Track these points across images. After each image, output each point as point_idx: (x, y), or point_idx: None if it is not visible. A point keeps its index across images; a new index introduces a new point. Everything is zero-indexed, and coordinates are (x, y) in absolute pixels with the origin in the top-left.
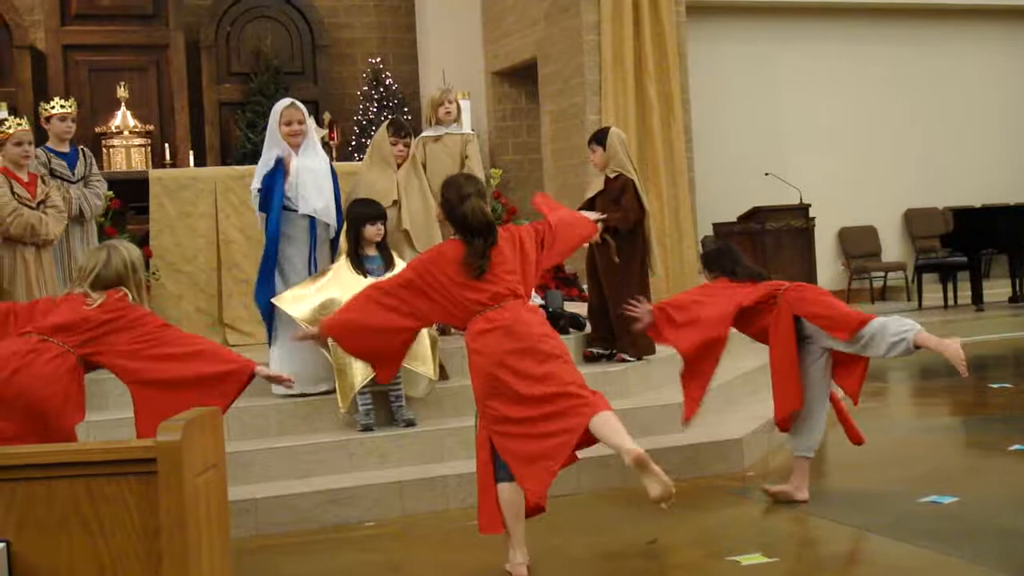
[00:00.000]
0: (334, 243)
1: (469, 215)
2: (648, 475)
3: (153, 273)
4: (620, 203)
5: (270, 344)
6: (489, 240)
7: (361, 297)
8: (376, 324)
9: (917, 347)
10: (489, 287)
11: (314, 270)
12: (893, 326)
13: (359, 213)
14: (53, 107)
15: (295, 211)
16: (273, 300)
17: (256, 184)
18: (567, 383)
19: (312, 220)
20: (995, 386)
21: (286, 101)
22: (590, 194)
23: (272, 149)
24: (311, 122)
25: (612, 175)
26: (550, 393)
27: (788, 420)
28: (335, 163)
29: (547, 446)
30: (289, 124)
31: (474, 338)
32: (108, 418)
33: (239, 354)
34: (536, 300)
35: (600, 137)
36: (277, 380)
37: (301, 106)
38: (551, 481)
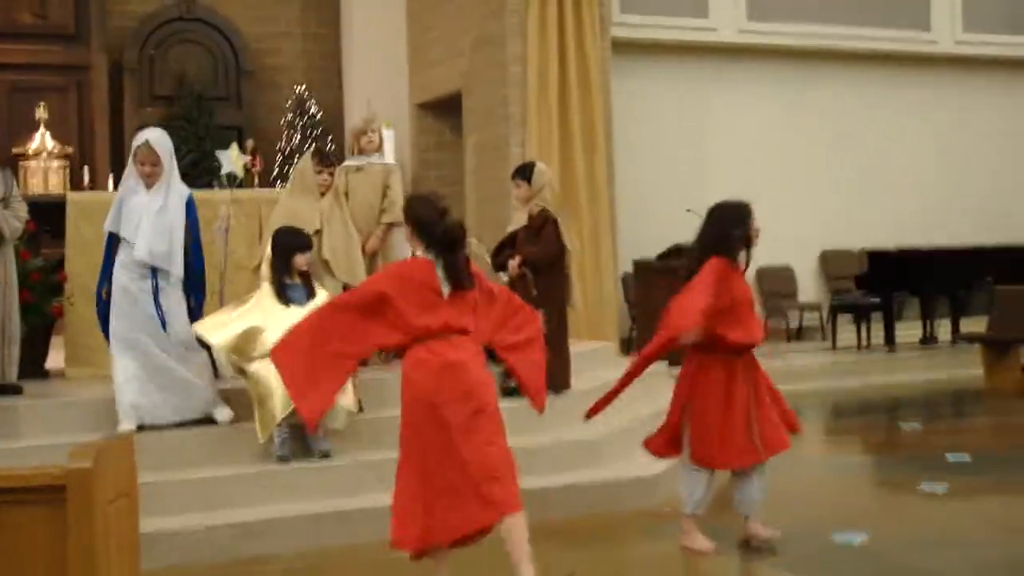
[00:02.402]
0: (195, 291)
1: (451, 229)
2: None
3: (68, 298)
4: (540, 238)
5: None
6: (465, 253)
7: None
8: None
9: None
10: (443, 315)
11: (160, 317)
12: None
13: (288, 241)
14: None
15: (132, 246)
16: (193, 326)
17: (108, 225)
18: (493, 464)
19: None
20: (905, 426)
21: (142, 137)
22: (512, 227)
23: (128, 179)
24: (170, 163)
25: (535, 210)
26: (472, 464)
27: None
28: (255, 190)
29: (446, 518)
30: (143, 164)
31: (412, 366)
32: (18, 445)
33: None
34: None
35: (526, 172)
36: None
37: (158, 146)
38: (426, 545)
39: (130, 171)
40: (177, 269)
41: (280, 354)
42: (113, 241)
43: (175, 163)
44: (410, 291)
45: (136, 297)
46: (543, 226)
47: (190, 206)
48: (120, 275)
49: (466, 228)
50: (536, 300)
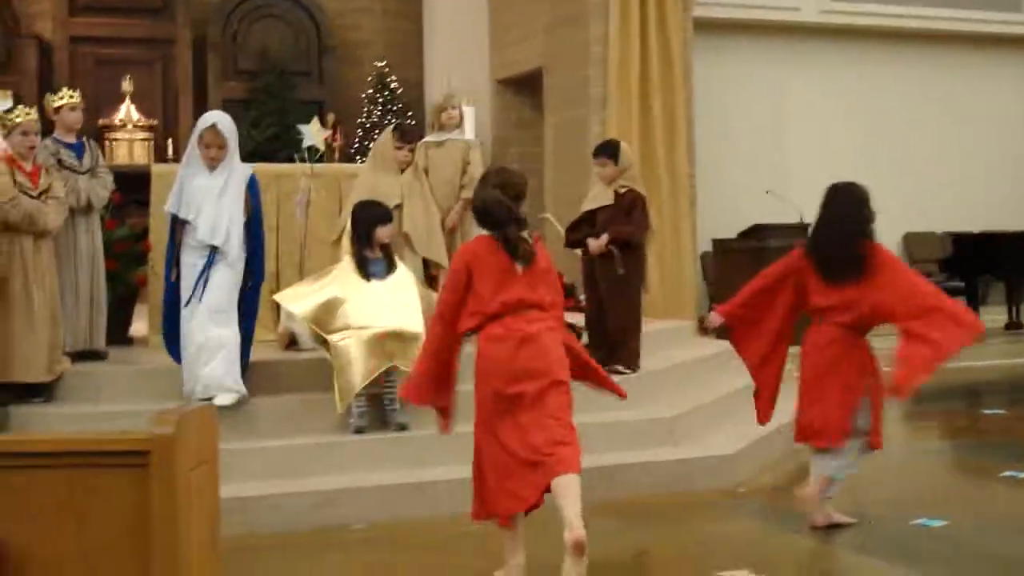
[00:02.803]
0: (255, 271)
1: (486, 205)
2: (575, 562)
3: (151, 267)
4: (632, 217)
5: (178, 360)
6: (516, 228)
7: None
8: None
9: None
10: (517, 290)
11: (202, 290)
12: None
13: (370, 214)
14: (62, 98)
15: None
16: (275, 296)
17: (170, 207)
18: (555, 431)
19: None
20: (988, 412)
21: (208, 120)
22: (592, 206)
23: (189, 162)
24: (234, 146)
25: (621, 190)
26: (539, 434)
27: None
28: (335, 164)
29: (518, 484)
30: (208, 147)
31: (487, 341)
32: (100, 410)
33: None
34: None
35: (612, 151)
36: None
37: (225, 128)
38: (513, 511)
39: (192, 153)
40: (233, 249)
41: (409, 388)
42: (176, 223)
43: (237, 145)
44: (484, 269)
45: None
46: (633, 205)
47: (253, 186)
48: (186, 257)
49: (505, 203)
50: (621, 279)
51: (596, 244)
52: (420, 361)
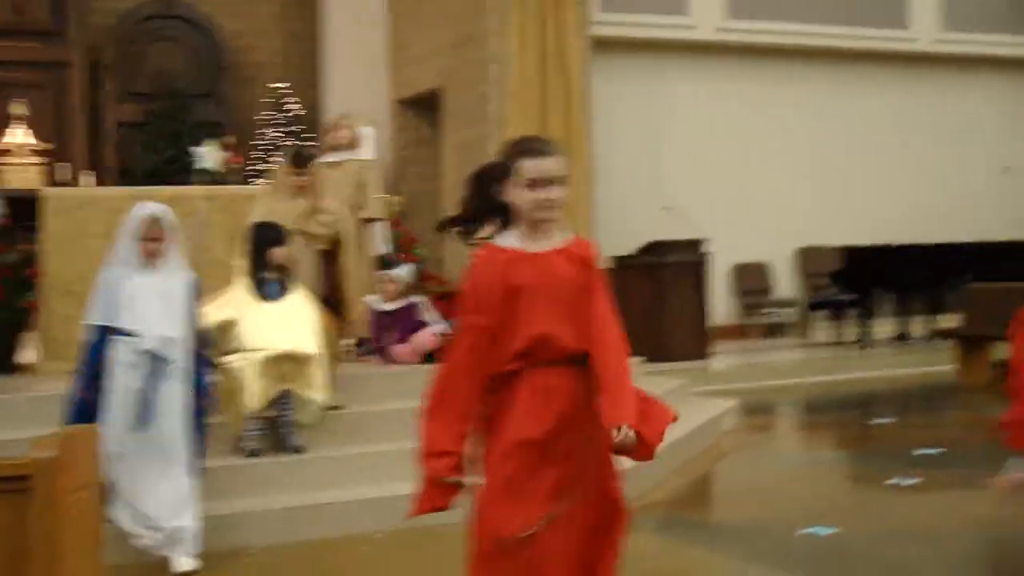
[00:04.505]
0: (201, 387)
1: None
2: None
3: (40, 293)
4: None
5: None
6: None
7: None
8: None
9: None
10: None
11: (152, 415)
12: None
13: (265, 235)
14: None
15: (136, 337)
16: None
17: (98, 319)
18: None
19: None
20: (877, 421)
21: (146, 210)
22: None
23: (117, 266)
24: (174, 237)
25: None
26: None
27: None
28: (234, 186)
29: None
30: (148, 240)
31: None
32: None
33: None
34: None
35: None
36: None
37: (167, 218)
38: None
39: (122, 252)
40: (181, 358)
41: None
42: (102, 335)
43: (178, 239)
44: None
45: (137, 397)
46: None
47: (198, 290)
48: (122, 376)
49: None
50: None
51: None
52: None
